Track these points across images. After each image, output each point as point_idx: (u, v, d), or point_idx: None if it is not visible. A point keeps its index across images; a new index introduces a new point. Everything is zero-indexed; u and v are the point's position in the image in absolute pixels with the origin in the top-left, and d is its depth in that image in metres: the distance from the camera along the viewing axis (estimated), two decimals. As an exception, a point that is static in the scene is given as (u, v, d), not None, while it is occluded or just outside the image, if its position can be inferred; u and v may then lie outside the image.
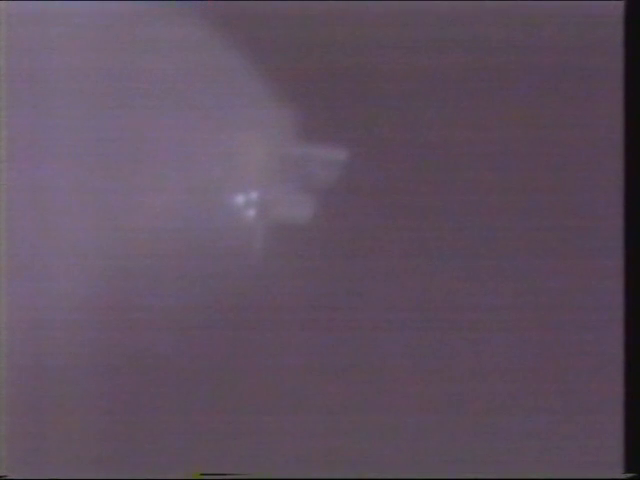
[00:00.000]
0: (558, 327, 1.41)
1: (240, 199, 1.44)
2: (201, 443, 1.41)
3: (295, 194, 1.44)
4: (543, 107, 1.42)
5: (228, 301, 1.42)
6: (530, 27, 1.40)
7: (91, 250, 1.41)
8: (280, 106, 1.43)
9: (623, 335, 1.32)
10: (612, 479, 1.30)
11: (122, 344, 1.41)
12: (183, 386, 1.42)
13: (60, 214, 1.41)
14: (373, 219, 1.43)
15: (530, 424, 1.40)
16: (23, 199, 1.40)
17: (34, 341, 1.41)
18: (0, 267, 1.39)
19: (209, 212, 1.43)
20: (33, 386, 1.40)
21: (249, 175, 1.45)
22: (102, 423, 1.41)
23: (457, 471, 1.38)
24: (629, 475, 1.26)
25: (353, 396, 1.42)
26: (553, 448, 1.40)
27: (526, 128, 1.42)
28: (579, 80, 1.41)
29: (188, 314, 1.42)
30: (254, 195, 1.44)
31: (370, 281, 1.43)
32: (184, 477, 1.39)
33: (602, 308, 1.38)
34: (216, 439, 1.41)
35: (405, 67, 1.43)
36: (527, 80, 1.42)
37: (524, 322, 1.41)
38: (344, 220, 1.43)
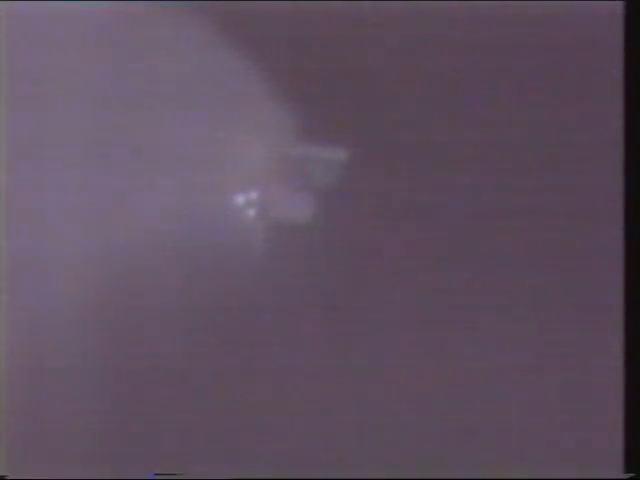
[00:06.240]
0: (558, 326, 1.41)
1: (240, 199, 1.44)
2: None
3: (295, 194, 1.44)
4: (543, 108, 1.42)
5: (228, 301, 1.42)
6: (530, 27, 1.40)
7: (90, 250, 1.41)
8: (280, 107, 1.44)
9: (623, 335, 1.31)
10: (612, 479, 1.30)
11: (121, 344, 1.42)
12: (182, 387, 1.42)
13: (61, 214, 1.42)
14: (373, 219, 1.43)
15: (530, 423, 1.40)
16: (23, 199, 1.41)
17: (34, 341, 1.41)
18: (0, 267, 1.40)
19: (209, 212, 1.43)
20: (32, 387, 1.41)
21: (249, 175, 1.45)
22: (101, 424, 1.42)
23: (456, 471, 1.38)
24: (629, 475, 1.26)
25: (353, 396, 1.42)
26: (552, 448, 1.40)
27: (526, 129, 1.42)
28: (579, 80, 1.41)
29: (188, 314, 1.42)
30: (254, 195, 1.44)
31: (370, 281, 1.43)
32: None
33: (602, 308, 1.38)
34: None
35: (406, 68, 1.43)
36: (527, 80, 1.42)
37: (524, 321, 1.41)
38: (344, 220, 1.43)
